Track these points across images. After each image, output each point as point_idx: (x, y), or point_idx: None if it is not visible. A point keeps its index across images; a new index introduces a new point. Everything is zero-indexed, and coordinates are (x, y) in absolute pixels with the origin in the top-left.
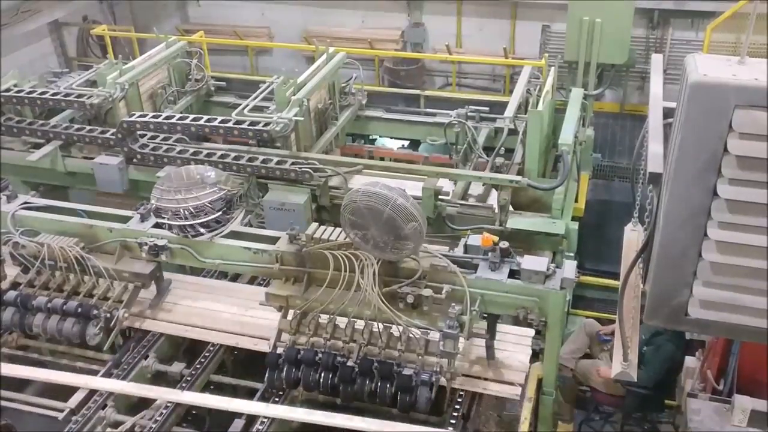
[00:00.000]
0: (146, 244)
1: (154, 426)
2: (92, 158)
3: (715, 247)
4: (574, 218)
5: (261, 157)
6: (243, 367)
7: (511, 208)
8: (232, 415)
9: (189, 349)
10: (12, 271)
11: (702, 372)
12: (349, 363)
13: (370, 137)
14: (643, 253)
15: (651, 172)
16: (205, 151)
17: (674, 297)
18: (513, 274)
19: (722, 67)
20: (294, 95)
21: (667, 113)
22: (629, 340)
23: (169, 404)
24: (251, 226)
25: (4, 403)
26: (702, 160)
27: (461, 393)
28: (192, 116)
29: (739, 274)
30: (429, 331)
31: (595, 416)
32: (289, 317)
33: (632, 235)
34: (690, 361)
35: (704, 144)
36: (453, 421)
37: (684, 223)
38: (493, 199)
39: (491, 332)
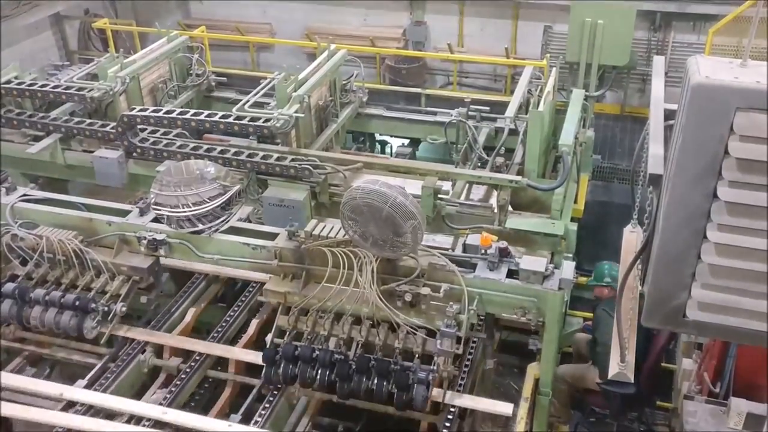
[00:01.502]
0: (145, 238)
1: (149, 422)
2: (92, 151)
3: (714, 249)
4: (573, 219)
5: (261, 153)
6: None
7: (510, 208)
8: (228, 412)
9: None
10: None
11: (698, 374)
12: (347, 360)
13: (377, 139)
14: (641, 255)
15: (651, 174)
16: (205, 146)
17: (672, 299)
18: (511, 274)
19: (724, 70)
20: (295, 92)
21: (668, 115)
22: (627, 342)
23: (165, 399)
24: (250, 221)
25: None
26: (702, 162)
27: (458, 391)
28: (192, 111)
29: (737, 277)
30: (427, 329)
31: (590, 418)
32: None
33: (631, 237)
34: (687, 363)
35: (705, 146)
36: (450, 417)
37: (683, 225)
38: (492, 198)
39: (488, 332)
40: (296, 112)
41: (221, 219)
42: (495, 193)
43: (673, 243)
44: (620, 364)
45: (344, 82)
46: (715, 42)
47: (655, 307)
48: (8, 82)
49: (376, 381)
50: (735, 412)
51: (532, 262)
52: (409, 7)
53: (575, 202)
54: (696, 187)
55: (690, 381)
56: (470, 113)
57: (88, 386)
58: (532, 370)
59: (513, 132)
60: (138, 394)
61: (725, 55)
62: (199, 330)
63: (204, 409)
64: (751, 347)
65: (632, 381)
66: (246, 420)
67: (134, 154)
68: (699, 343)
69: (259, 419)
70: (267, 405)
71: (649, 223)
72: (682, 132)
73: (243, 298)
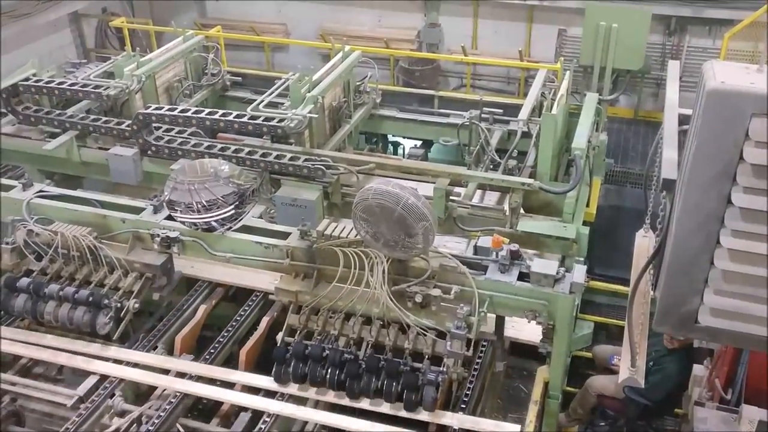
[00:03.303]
0: (158, 235)
1: (162, 416)
2: (107, 149)
3: (727, 255)
4: (585, 223)
5: (274, 153)
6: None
7: (522, 211)
8: (239, 410)
9: (197, 342)
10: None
11: (710, 380)
12: (357, 360)
13: (389, 140)
14: (654, 259)
15: (665, 178)
16: (219, 145)
17: (684, 304)
18: (522, 276)
19: (740, 75)
20: (309, 92)
21: (682, 120)
22: (637, 346)
23: (176, 395)
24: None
25: (14, 389)
26: (717, 167)
27: (467, 394)
28: (207, 110)
29: (750, 283)
30: (437, 330)
31: (600, 421)
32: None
33: (643, 241)
34: (698, 369)
35: (720, 151)
36: None
37: (697, 230)
38: (504, 201)
39: (499, 334)
40: (310, 112)
41: (234, 218)
42: (507, 195)
43: (686, 248)
44: (630, 369)
45: (358, 83)
46: (731, 47)
47: (667, 312)
48: (27, 79)
49: (385, 381)
50: (746, 419)
51: (544, 265)
52: (424, 9)
53: (587, 205)
54: (710, 192)
55: (701, 387)
56: (483, 115)
57: (101, 381)
58: (542, 373)
59: (526, 135)
60: (147, 392)
61: (741, 60)
62: (210, 327)
63: (214, 406)
64: (764, 354)
65: (642, 386)
66: (255, 418)
67: (149, 152)
68: (710, 349)
69: (268, 418)
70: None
71: (662, 228)
72: (696, 137)
73: (255, 297)
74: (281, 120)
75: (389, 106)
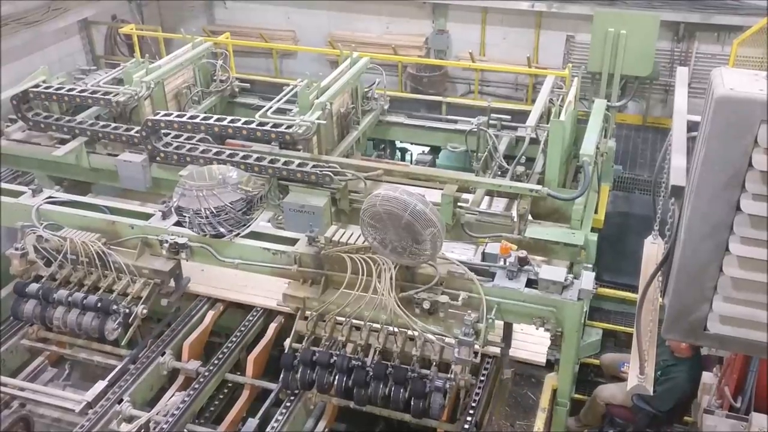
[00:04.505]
0: (167, 241)
1: (169, 421)
2: (116, 155)
3: (736, 262)
4: (593, 229)
5: (282, 159)
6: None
7: (530, 218)
8: (246, 416)
9: (205, 348)
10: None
11: (719, 388)
12: (364, 367)
13: (397, 146)
14: (662, 266)
15: (673, 185)
16: (228, 152)
17: (693, 311)
18: (530, 283)
19: (749, 82)
20: (317, 99)
21: (691, 127)
22: (646, 354)
23: (183, 402)
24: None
25: (23, 394)
26: (726, 174)
27: (474, 402)
28: (215, 116)
29: (760, 290)
30: (444, 337)
31: (609, 430)
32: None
33: (652, 248)
34: (707, 377)
35: (729, 158)
36: (466, 426)
37: (705, 237)
38: (512, 208)
39: (507, 341)
40: (318, 118)
41: (242, 224)
42: (515, 202)
43: (694, 255)
44: (639, 377)
45: (366, 90)
46: (740, 53)
47: (675, 319)
48: (37, 86)
49: (393, 388)
50: (756, 427)
51: (552, 271)
52: (432, 16)
53: (596, 212)
54: (719, 199)
55: (710, 395)
56: (491, 122)
57: (108, 387)
58: (550, 380)
59: (534, 141)
60: (157, 397)
61: (750, 66)
62: (217, 333)
63: (222, 413)
64: None
65: (651, 393)
66: (263, 424)
67: (158, 158)
68: (720, 356)
69: (276, 424)
70: (284, 410)
71: (671, 235)
72: (705, 144)
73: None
74: (289, 126)
75: (397, 112)
